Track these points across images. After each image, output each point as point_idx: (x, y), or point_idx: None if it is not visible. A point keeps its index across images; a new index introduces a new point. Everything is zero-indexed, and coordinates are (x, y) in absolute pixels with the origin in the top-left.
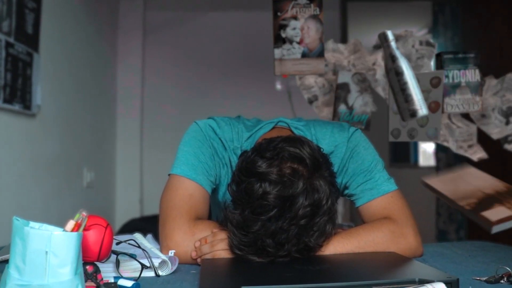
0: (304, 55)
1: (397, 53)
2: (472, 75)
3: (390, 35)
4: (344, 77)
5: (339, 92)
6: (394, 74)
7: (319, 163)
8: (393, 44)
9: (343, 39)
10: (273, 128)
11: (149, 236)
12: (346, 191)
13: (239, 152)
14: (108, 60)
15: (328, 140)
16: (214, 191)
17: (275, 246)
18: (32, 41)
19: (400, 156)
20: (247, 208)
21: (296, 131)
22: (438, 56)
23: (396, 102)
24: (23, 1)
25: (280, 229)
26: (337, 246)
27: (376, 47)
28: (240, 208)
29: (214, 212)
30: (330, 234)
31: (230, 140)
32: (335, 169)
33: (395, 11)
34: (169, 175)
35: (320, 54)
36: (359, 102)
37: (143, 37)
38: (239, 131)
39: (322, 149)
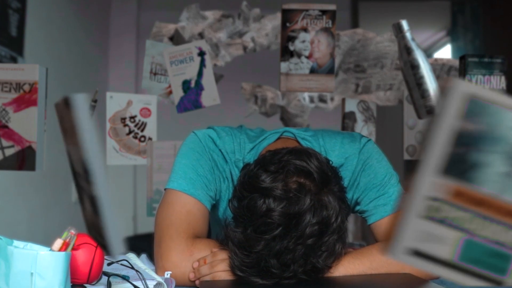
0: (312, 71)
1: (413, 45)
2: (497, 82)
3: (405, 25)
4: (350, 106)
5: (347, 122)
6: (409, 68)
7: (328, 177)
8: (408, 35)
9: None
10: (278, 139)
11: (143, 256)
12: (358, 207)
13: (241, 165)
14: (99, 65)
15: (338, 152)
16: (214, 207)
17: (280, 267)
18: (16, 44)
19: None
20: (250, 226)
21: (303, 142)
22: (462, 59)
23: (412, 98)
24: (6, 0)
25: (286, 249)
26: (347, 267)
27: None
28: (242, 226)
29: (214, 230)
30: (340, 254)
31: (231, 151)
32: (345, 183)
33: (411, 12)
34: (165, 189)
35: (330, 70)
36: (364, 132)
37: (136, 40)
38: (241, 142)
39: (331, 162)
